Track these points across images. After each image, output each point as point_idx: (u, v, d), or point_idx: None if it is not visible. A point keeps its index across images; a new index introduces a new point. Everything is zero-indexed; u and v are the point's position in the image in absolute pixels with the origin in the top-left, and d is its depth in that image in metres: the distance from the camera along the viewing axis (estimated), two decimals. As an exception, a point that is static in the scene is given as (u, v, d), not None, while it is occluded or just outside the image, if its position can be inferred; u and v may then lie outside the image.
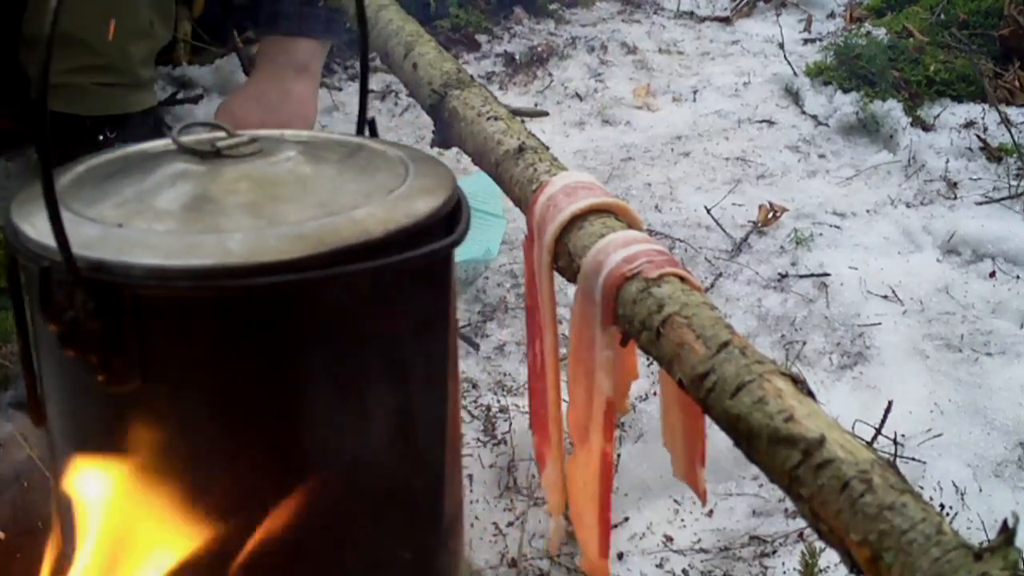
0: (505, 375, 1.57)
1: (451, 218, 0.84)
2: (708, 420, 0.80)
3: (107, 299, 0.73)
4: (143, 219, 0.78)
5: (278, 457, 0.81)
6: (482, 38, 2.72)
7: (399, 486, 0.87)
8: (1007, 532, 0.56)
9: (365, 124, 1.02)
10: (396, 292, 0.81)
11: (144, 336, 0.75)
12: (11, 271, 0.83)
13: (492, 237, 1.82)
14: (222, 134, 0.88)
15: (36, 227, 0.77)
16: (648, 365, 1.52)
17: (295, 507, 0.81)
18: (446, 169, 0.90)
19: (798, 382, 0.69)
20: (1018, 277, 1.85)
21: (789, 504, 1.23)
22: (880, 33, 2.67)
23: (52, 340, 0.76)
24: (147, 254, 0.73)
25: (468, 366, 1.58)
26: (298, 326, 0.78)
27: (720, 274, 1.84)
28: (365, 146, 0.94)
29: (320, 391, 0.80)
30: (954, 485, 1.37)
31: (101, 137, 1.89)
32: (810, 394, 0.69)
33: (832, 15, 3.07)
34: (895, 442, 1.41)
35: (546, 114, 2.12)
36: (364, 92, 1.02)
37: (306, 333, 0.78)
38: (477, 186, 1.69)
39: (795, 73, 2.58)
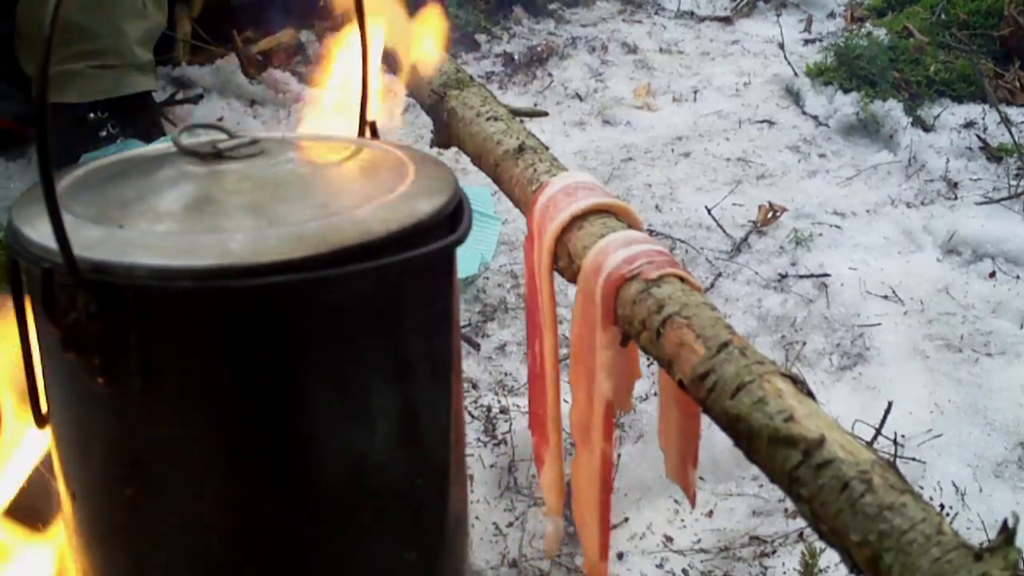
0: (506, 375, 1.57)
1: (453, 218, 0.84)
2: (704, 422, 0.80)
3: (109, 300, 0.73)
4: (144, 220, 0.78)
5: (281, 458, 0.81)
6: (481, 38, 2.72)
7: (403, 487, 0.87)
8: (1007, 532, 0.56)
9: (366, 126, 1.02)
10: (399, 292, 0.81)
11: (146, 337, 0.75)
12: (12, 274, 0.83)
13: (487, 242, 1.82)
14: (223, 136, 0.88)
15: (37, 229, 0.76)
16: (649, 365, 1.52)
17: (298, 508, 0.81)
18: (448, 169, 0.90)
19: (798, 382, 0.69)
20: (1018, 277, 1.85)
21: (789, 504, 1.23)
22: (880, 33, 2.67)
23: (54, 342, 0.76)
24: (148, 255, 0.73)
25: (469, 366, 1.58)
26: (300, 326, 0.77)
27: (720, 274, 1.84)
28: (366, 147, 0.94)
29: (323, 391, 0.80)
30: (954, 485, 1.37)
31: (102, 131, 1.89)
32: (810, 394, 0.69)
33: (832, 15, 3.08)
34: (895, 442, 1.41)
35: (546, 114, 2.12)
36: (365, 94, 1.02)
37: (308, 333, 0.78)
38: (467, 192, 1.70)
39: (795, 73, 2.58)
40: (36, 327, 0.81)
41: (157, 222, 0.78)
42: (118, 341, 0.74)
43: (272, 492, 0.81)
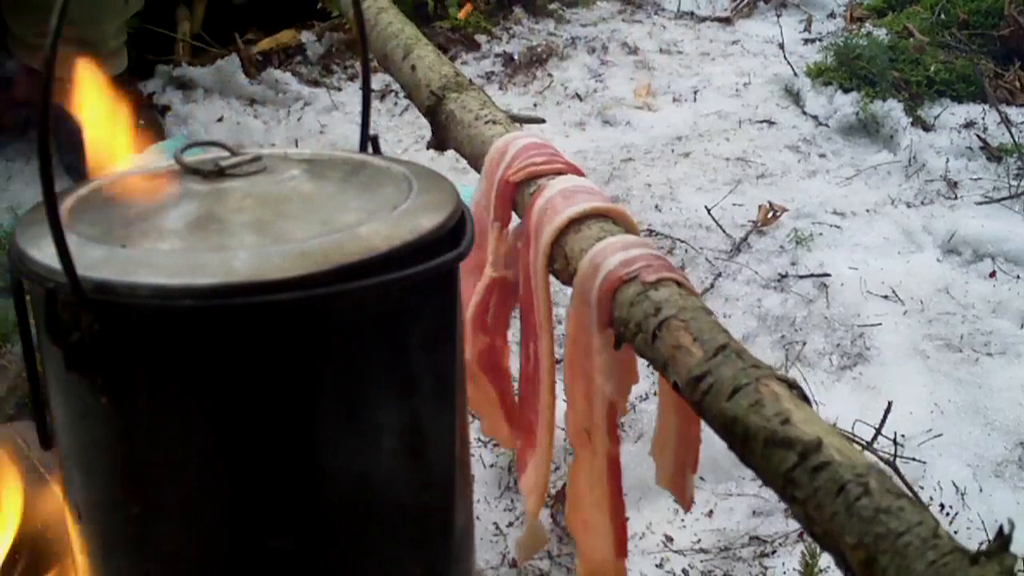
0: (505, 376, 1.57)
1: (455, 232, 0.84)
2: (702, 427, 0.80)
3: (112, 320, 0.73)
4: (147, 239, 0.78)
5: (286, 474, 0.81)
6: (481, 38, 2.72)
7: (408, 502, 0.86)
8: (1003, 537, 0.56)
9: (368, 141, 1.02)
10: (402, 307, 0.81)
11: (150, 356, 0.75)
12: (17, 295, 0.83)
13: None
14: (225, 153, 0.89)
15: (41, 249, 0.76)
16: (648, 365, 1.52)
17: (304, 525, 0.81)
18: (450, 184, 0.90)
19: (793, 387, 0.69)
20: (1018, 277, 1.85)
21: (788, 505, 1.23)
22: (880, 33, 2.67)
23: (58, 362, 0.77)
24: (151, 273, 0.73)
25: (468, 367, 1.58)
26: (303, 343, 0.77)
27: (720, 274, 1.84)
28: (368, 163, 0.94)
29: (327, 408, 0.80)
30: (954, 485, 1.37)
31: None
32: (805, 398, 0.69)
33: (832, 15, 3.07)
34: (895, 442, 1.41)
35: (543, 121, 2.11)
36: (367, 108, 1.02)
37: (312, 350, 0.78)
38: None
39: (795, 73, 2.58)
40: (40, 347, 0.82)
41: (160, 241, 0.78)
42: (122, 360, 0.75)
43: (278, 509, 0.81)
